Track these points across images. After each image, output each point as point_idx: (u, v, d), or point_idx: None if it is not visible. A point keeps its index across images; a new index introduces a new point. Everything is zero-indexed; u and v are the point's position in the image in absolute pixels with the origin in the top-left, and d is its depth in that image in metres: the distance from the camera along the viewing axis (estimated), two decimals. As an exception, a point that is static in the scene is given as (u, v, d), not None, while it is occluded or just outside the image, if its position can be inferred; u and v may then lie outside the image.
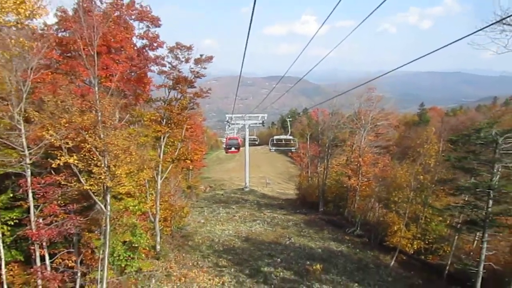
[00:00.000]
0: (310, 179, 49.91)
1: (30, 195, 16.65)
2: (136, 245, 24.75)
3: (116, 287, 21.49)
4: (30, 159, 16.31)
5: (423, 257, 29.17)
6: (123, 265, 23.75)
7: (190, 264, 28.32)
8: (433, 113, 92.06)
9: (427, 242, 28.66)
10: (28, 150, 16.21)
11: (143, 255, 26.63)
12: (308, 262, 27.88)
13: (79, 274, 20.66)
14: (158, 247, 29.45)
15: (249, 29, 9.14)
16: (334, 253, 30.48)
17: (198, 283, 24.99)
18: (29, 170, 16.40)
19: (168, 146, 32.24)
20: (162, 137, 29.00)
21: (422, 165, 28.58)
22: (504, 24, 11.17)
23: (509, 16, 10.89)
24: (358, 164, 36.49)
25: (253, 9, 8.03)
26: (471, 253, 25.42)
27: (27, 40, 16.36)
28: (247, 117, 58.39)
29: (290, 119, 61.10)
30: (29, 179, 16.43)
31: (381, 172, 35.48)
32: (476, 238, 24.31)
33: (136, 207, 24.68)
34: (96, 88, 18.02)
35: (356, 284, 24.96)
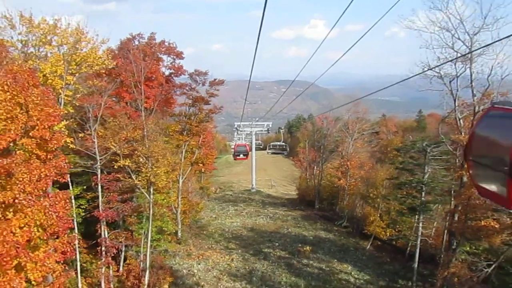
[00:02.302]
0: (308, 180, 57.74)
1: (99, 187, 24.71)
2: (164, 229, 32.89)
3: (154, 259, 29.32)
4: (100, 162, 24.38)
5: (394, 242, 36.73)
6: (154, 245, 31.70)
7: (206, 247, 36.22)
8: (431, 119, 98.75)
9: (396, 230, 36.24)
10: (99, 156, 24.28)
11: (169, 237, 34.74)
12: (300, 245, 35.70)
13: (123, 248, 28.64)
14: (179, 233, 37.43)
15: (259, 34, 9.04)
16: (322, 239, 38.28)
17: (213, 260, 32.92)
18: (99, 170, 24.46)
19: (187, 152, 40.31)
20: (183, 145, 37.08)
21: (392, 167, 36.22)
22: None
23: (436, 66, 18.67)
24: (346, 167, 44.19)
25: (263, 14, 7.86)
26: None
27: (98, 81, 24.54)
28: (253, 124, 66.42)
29: (283, 129, 71.68)
30: (99, 176, 24.49)
31: (366, 174, 43.07)
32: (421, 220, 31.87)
33: (164, 200, 32.76)
34: (143, 112, 26.14)
35: (336, 260, 32.74)
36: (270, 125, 66.28)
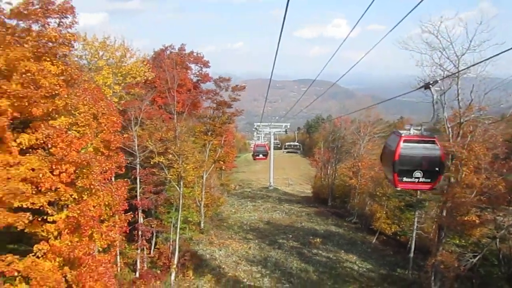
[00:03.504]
0: (323, 179, 61.71)
1: (138, 179, 29.29)
2: (189, 219, 37.47)
3: (181, 244, 33.76)
4: (139, 158, 28.93)
5: (398, 237, 40.40)
6: (180, 233, 36.18)
7: (226, 237, 40.57)
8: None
9: (400, 226, 39.91)
10: (138, 153, 28.83)
11: (193, 227, 39.33)
12: (311, 237, 39.77)
13: (155, 234, 33.18)
14: (202, 224, 41.88)
15: (281, 33, 9.10)
16: (332, 233, 42.26)
17: (232, 247, 37.26)
18: (138, 165, 29.03)
19: (211, 151, 44.77)
20: (207, 144, 41.52)
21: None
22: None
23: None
24: (358, 168, 47.96)
25: (285, 13, 8.00)
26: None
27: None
28: (272, 125, 70.72)
29: (297, 131, 78.23)
30: (138, 170, 29.05)
31: (376, 174, 46.71)
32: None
33: (190, 193, 37.33)
34: (175, 115, 30.63)
35: (343, 251, 36.72)
36: (288, 126, 70.47)
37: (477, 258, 26.23)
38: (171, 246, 31.84)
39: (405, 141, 10.27)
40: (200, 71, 39.30)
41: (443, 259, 25.95)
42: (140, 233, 30.04)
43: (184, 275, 30.44)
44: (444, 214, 26.62)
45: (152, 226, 31.85)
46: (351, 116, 59.33)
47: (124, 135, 28.24)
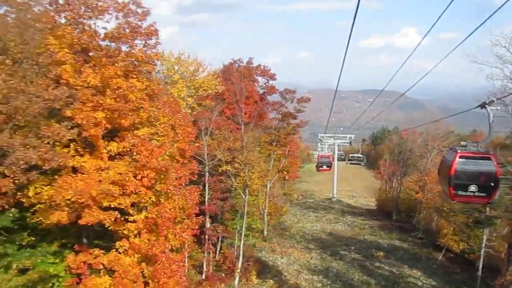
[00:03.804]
0: (388, 192, 60.80)
1: (207, 186, 31.12)
2: (253, 226, 38.84)
3: (245, 250, 35.16)
4: (208, 166, 30.77)
5: (466, 255, 39.08)
6: (244, 239, 37.63)
7: (288, 245, 41.47)
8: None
9: (469, 244, 38.60)
10: (208, 161, 30.68)
11: (256, 234, 40.67)
12: (374, 250, 39.61)
13: (220, 239, 34.84)
14: (265, 232, 43.12)
15: (348, 44, 9.09)
16: (396, 247, 41.74)
17: (294, 256, 38.10)
18: (207, 172, 30.87)
19: (275, 161, 46.06)
20: (272, 154, 42.84)
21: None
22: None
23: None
24: (424, 182, 46.97)
25: (353, 23, 8.00)
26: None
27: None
28: (336, 136, 70.94)
29: (361, 143, 79.53)
30: (207, 178, 30.89)
31: (444, 189, 45.59)
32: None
33: (255, 201, 38.72)
34: (243, 126, 32.22)
35: (407, 266, 36.24)
36: (353, 137, 70.26)
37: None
38: (235, 251, 33.29)
39: (461, 157, 10.92)
40: (267, 83, 41.00)
41: (513, 279, 25.26)
42: (207, 237, 31.77)
43: (247, 279, 31.72)
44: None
45: (218, 231, 33.52)
46: (419, 128, 58.15)
47: (196, 144, 30.28)
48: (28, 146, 13.25)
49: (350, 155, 78.74)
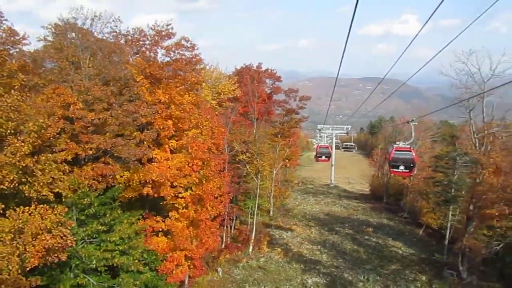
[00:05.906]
0: (380, 178, 68.76)
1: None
2: (262, 207, 46.63)
3: (257, 225, 42.83)
4: (228, 156, 38.30)
5: (442, 231, 46.92)
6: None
7: (291, 223, 49.35)
8: None
9: (446, 220, 46.45)
10: (228, 152, 38.19)
11: (264, 213, 48.53)
12: (364, 227, 47.61)
13: (235, 217, 42.55)
14: (271, 212, 50.94)
15: (349, 32, 9.01)
16: (383, 225, 49.73)
17: (297, 231, 45.98)
18: (226, 161, 38.41)
19: (280, 150, 53.66)
20: (277, 145, 50.42)
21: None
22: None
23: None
24: (410, 169, 54.70)
25: (355, 10, 7.87)
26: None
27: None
28: (334, 127, 78.59)
29: (354, 134, 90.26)
30: (226, 165, 38.44)
31: (426, 174, 53.31)
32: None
33: (264, 185, 46.42)
34: (255, 122, 39.74)
35: (391, 239, 44.19)
36: (349, 128, 77.91)
37: (500, 246, 33.09)
38: (249, 226, 41.07)
39: (395, 149, 19.04)
40: (273, 85, 48.39)
41: (470, 245, 33.06)
42: (226, 213, 39.54)
43: (259, 248, 39.48)
44: (471, 207, 33.61)
45: (234, 210, 41.24)
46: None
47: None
48: (126, 146, 20.81)
49: (344, 143, 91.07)
